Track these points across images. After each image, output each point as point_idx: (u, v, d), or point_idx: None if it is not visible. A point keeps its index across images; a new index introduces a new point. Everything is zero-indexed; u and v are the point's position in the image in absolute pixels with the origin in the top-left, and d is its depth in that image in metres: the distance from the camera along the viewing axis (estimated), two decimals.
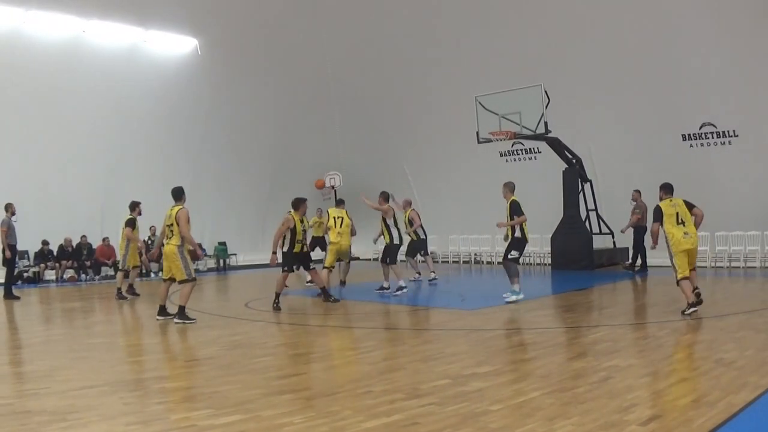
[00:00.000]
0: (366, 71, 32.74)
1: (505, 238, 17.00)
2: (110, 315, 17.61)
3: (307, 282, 20.95)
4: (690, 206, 14.61)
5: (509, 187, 16.92)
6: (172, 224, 14.45)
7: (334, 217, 19.71)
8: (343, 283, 20.82)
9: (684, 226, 14.24)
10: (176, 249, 14.36)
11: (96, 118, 27.96)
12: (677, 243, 14.12)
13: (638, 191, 22.72)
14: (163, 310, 14.99)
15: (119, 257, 21.14)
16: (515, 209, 16.46)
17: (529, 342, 11.43)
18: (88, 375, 9.44)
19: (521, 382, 8.31)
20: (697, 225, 14.55)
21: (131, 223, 20.30)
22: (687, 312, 13.48)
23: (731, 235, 23.40)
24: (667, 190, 15.05)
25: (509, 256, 16.75)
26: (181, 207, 14.64)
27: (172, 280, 14.76)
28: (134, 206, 20.60)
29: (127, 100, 28.75)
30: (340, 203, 21.10)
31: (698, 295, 13.95)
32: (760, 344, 10.03)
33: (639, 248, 22.99)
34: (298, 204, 16.60)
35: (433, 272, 22.37)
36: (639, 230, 22.60)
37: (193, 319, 14.34)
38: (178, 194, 14.94)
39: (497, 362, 9.50)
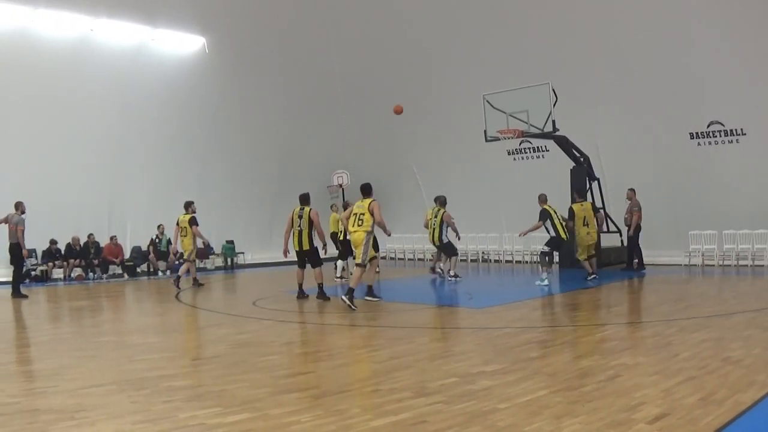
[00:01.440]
0: (373, 70, 32.74)
1: None
2: (118, 313, 17.68)
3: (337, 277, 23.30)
4: (595, 210, 20.64)
5: (539, 199, 20.11)
6: (363, 213, 16.18)
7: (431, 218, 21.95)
8: (434, 270, 22.90)
9: (588, 227, 19.94)
10: (365, 235, 16.08)
11: (103, 117, 27.98)
12: (582, 240, 19.95)
13: (633, 190, 22.57)
14: (369, 291, 17.18)
15: (183, 250, 23.03)
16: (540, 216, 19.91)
17: (536, 340, 11.41)
18: (95, 373, 9.46)
19: (528, 381, 8.30)
20: (600, 225, 21.36)
21: (195, 221, 22.24)
22: (589, 279, 19.66)
23: (739, 234, 23.34)
24: (580, 193, 20.44)
25: (542, 249, 20.27)
26: (373, 199, 16.42)
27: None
28: (189, 205, 22.52)
29: (134, 98, 28.77)
30: (439, 201, 22.33)
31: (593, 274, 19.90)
32: (767, 343, 10.02)
33: (635, 247, 22.83)
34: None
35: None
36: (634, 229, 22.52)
37: (354, 308, 15.46)
38: (369, 189, 16.74)
39: (505, 361, 9.49)
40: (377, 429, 6.58)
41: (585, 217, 19.97)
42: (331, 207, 26.61)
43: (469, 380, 8.35)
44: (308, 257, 17.90)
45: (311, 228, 17.64)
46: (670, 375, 8.31)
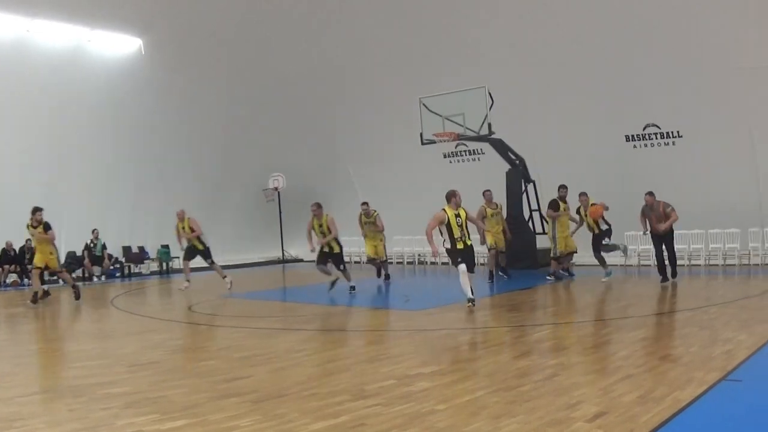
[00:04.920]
0: (310, 72, 32.57)
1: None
2: (54, 320, 17.43)
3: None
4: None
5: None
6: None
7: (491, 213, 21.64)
8: (500, 267, 22.11)
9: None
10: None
11: (38, 120, 27.43)
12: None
13: (651, 193, 19.45)
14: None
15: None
16: None
17: (473, 341, 11.49)
18: (32, 381, 9.37)
19: (466, 382, 8.35)
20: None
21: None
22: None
23: (675, 234, 23.54)
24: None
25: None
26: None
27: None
28: (34, 211, 20.66)
29: (70, 100, 28.17)
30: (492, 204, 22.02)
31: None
32: (705, 340, 10.16)
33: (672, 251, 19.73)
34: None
35: None
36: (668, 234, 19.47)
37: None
38: (558, 202, 20.80)
39: (442, 362, 9.54)
40: None
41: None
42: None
43: (407, 382, 8.37)
44: None
45: None
46: (609, 373, 8.40)
